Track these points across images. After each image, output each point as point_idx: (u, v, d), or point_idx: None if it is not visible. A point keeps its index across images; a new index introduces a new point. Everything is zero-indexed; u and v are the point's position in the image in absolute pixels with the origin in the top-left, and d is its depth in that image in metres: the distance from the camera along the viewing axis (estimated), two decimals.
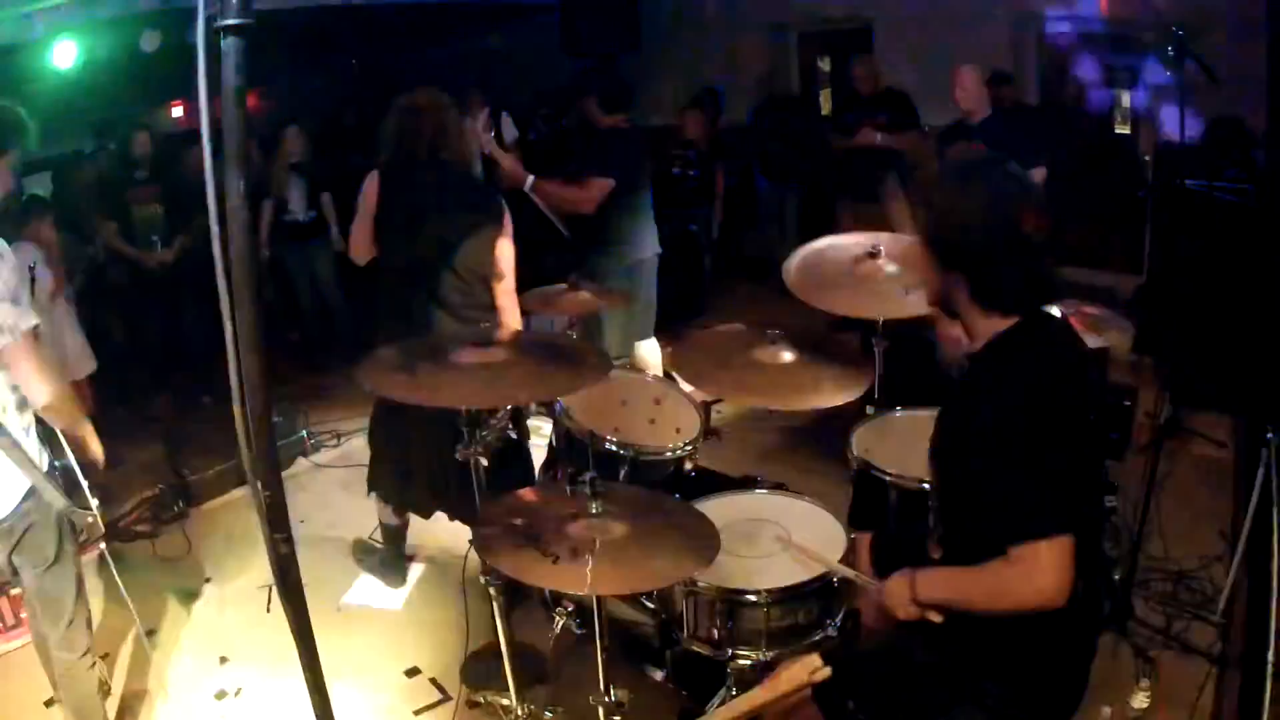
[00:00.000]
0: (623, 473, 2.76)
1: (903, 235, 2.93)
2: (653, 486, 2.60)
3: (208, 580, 3.78)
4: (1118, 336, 2.99)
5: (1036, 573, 1.59)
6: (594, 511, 1.97)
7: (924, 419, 2.77)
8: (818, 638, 2.30)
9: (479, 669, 2.98)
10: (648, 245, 4.33)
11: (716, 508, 2.46)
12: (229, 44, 1.13)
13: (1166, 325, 3.39)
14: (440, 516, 3.41)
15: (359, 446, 4.74)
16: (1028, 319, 1.72)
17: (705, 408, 3.08)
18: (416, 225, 3.04)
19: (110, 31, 5.05)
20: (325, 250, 6.28)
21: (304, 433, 4.87)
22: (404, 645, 3.30)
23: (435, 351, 2.30)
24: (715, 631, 2.30)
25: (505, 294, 3.26)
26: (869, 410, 2.91)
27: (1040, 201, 1.69)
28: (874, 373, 2.86)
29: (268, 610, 3.49)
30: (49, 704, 2.90)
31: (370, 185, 3.11)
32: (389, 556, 3.68)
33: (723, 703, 2.28)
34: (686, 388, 3.10)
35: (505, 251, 3.23)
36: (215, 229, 1.19)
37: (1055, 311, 1.85)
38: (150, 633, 3.35)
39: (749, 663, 2.27)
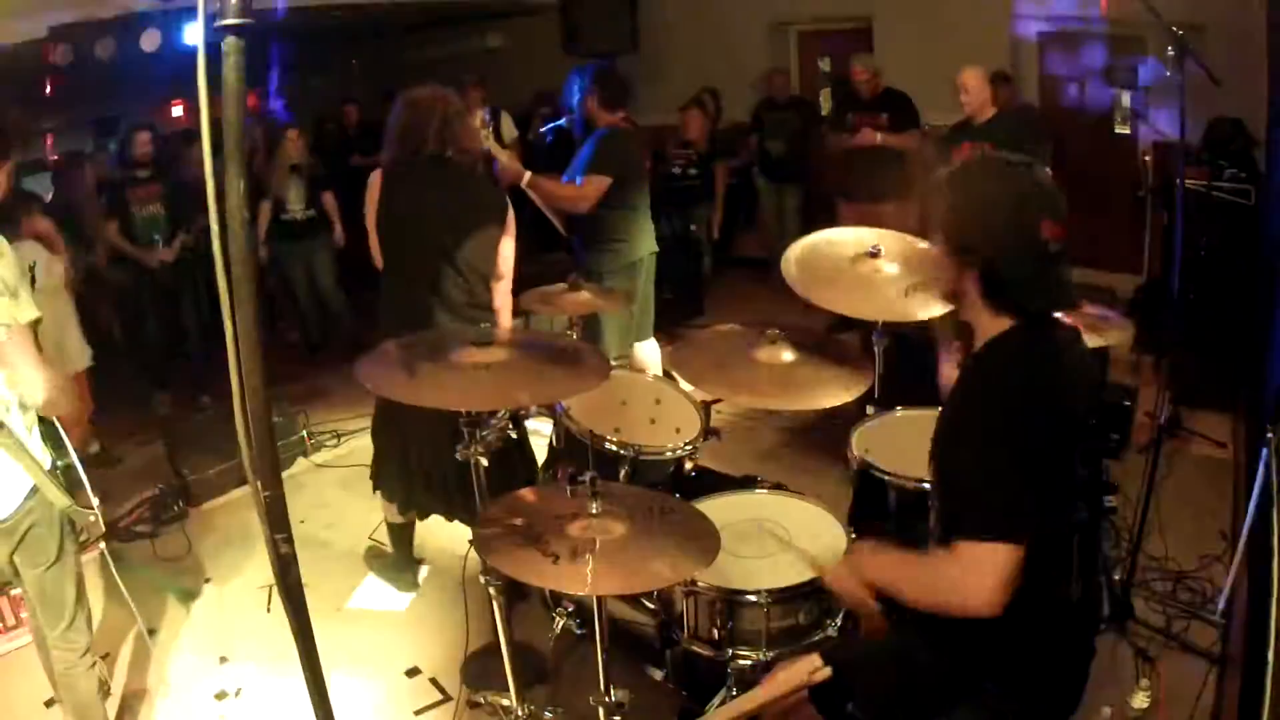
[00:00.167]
0: (623, 473, 2.76)
1: (904, 236, 2.92)
2: (653, 486, 2.60)
3: (208, 580, 3.78)
4: (1118, 336, 2.99)
5: (972, 573, 1.58)
6: (594, 511, 1.96)
7: (924, 419, 2.78)
8: (818, 638, 2.30)
9: (479, 669, 2.98)
10: (645, 244, 4.33)
11: (716, 508, 2.46)
12: (229, 44, 1.13)
13: (1166, 325, 3.39)
14: (440, 516, 3.41)
15: (359, 446, 4.75)
16: (1032, 322, 1.72)
17: (705, 408, 3.08)
18: (420, 223, 3.03)
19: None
20: (325, 249, 6.28)
21: (304, 433, 4.87)
22: (404, 645, 3.30)
23: (435, 351, 2.30)
24: (715, 631, 2.30)
25: (503, 294, 3.26)
26: (869, 410, 2.91)
27: (1062, 209, 1.68)
28: (874, 373, 2.86)
29: (268, 610, 3.49)
30: (49, 704, 2.90)
31: (373, 188, 3.09)
32: (399, 559, 3.67)
33: (723, 703, 2.29)
34: (686, 388, 3.10)
35: (507, 250, 3.22)
36: (215, 229, 1.19)
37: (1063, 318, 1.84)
38: (150, 633, 3.35)
39: (749, 663, 2.28)
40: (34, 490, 2.31)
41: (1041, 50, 6.71)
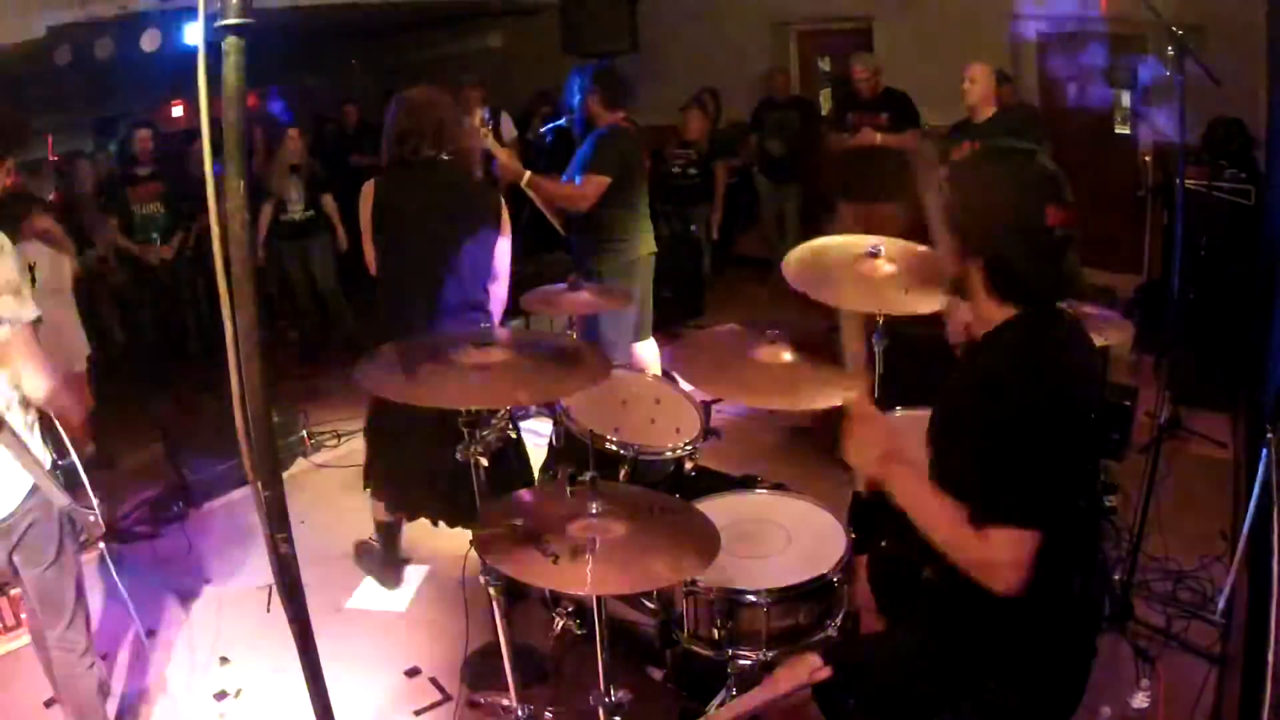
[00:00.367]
0: (623, 473, 2.76)
1: (902, 241, 2.94)
2: (653, 486, 2.60)
3: (208, 580, 3.78)
4: (1118, 336, 2.99)
5: (1004, 558, 1.59)
6: (594, 511, 1.97)
7: (924, 419, 2.77)
8: (818, 638, 2.30)
9: (479, 669, 2.98)
10: (644, 243, 4.33)
11: (716, 508, 2.46)
12: (229, 44, 1.13)
13: (1166, 325, 3.39)
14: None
15: (359, 447, 4.74)
16: (1037, 311, 1.72)
17: (705, 408, 3.08)
18: (417, 227, 3.03)
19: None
20: (324, 250, 6.28)
21: (304, 433, 4.88)
22: (404, 645, 3.30)
23: (435, 351, 2.30)
24: (715, 631, 2.30)
25: (497, 299, 3.27)
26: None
27: (1066, 194, 1.68)
28: (874, 373, 2.86)
29: (268, 610, 3.49)
30: (49, 704, 2.90)
31: (366, 196, 3.09)
32: (386, 557, 3.68)
33: (723, 703, 2.29)
34: (686, 387, 3.10)
35: (503, 251, 3.22)
36: (215, 229, 1.19)
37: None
38: (150, 633, 3.35)
39: (749, 663, 2.28)
40: (34, 490, 2.31)
41: (1041, 50, 6.71)
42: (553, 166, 4.54)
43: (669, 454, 2.87)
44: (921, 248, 2.81)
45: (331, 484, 4.59)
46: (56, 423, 2.48)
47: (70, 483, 2.45)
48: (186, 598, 3.65)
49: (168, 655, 3.30)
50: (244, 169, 1.18)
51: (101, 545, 2.79)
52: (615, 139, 4.12)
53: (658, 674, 2.66)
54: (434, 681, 3.10)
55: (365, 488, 3.46)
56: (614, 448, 2.78)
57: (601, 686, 2.17)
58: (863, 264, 2.90)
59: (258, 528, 1.39)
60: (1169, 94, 2.96)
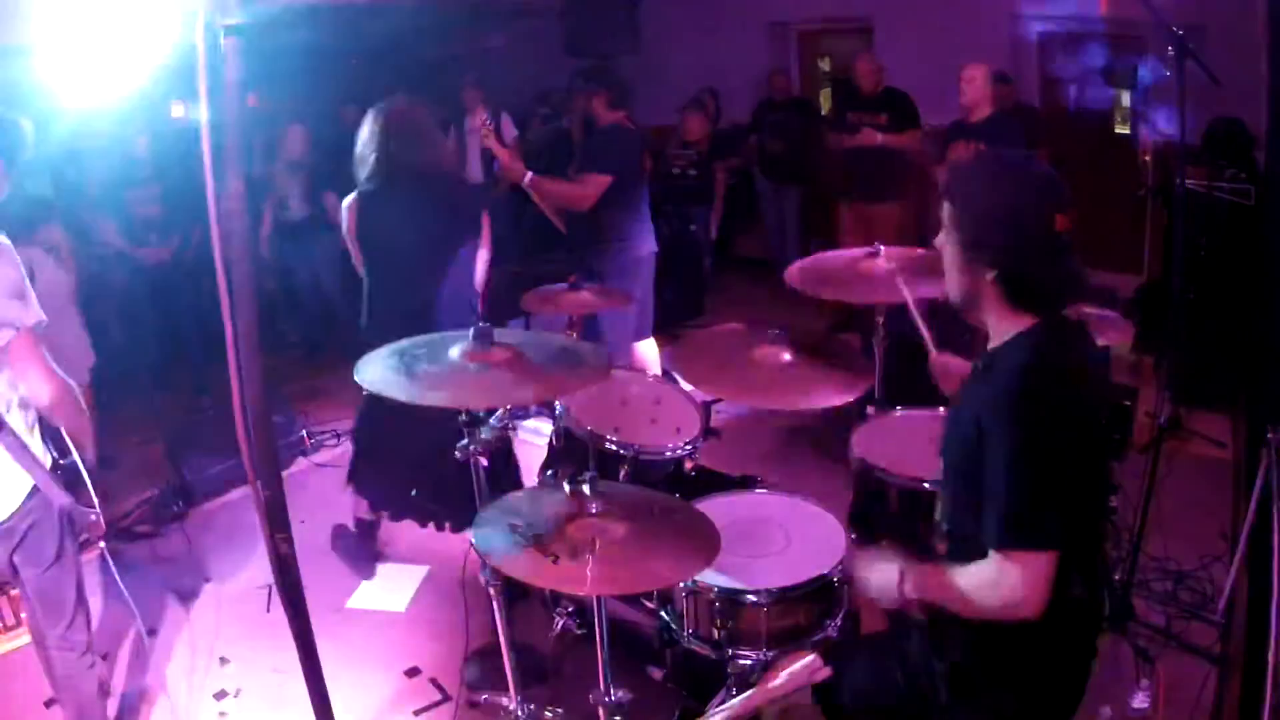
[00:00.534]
0: (623, 473, 2.76)
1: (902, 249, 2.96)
2: (653, 486, 2.60)
3: (208, 580, 3.78)
4: (1118, 336, 2.99)
5: (1029, 582, 1.59)
6: (594, 511, 1.96)
7: (924, 419, 2.78)
8: (818, 638, 2.30)
9: (479, 669, 2.98)
10: (645, 243, 4.33)
11: (716, 508, 2.46)
12: (229, 44, 1.13)
13: (1166, 325, 3.38)
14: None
15: None
16: (1049, 320, 1.71)
17: (705, 408, 3.08)
18: (401, 244, 3.08)
19: None
20: (326, 249, 6.27)
21: (304, 433, 4.88)
22: (404, 645, 3.30)
23: (435, 351, 2.30)
24: (715, 631, 2.30)
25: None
26: (869, 410, 2.91)
27: (1068, 198, 1.67)
28: (874, 373, 2.86)
29: (268, 610, 3.49)
30: (49, 704, 2.90)
31: (349, 212, 3.15)
32: (361, 551, 3.74)
33: (723, 703, 2.28)
34: (687, 387, 3.10)
35: (483, 259, 3.28)
36: (214, 229, 1.19)
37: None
38: (150, 633, 3.35)
39: (749, 663, 2.27)
40: (34, 490, 2.31)
41: (1041, 50, 6.71)
42: (553, 167, 4.55)
43: (669, 454, 2.87)
44: (920, 250, 2.82)
45: (331, 484, 4.58)
46: (60, 427, 2.47)
47: (71, 482, 2.45)
48: (186, 597, 3.65)
49: (168, 655, 3.30)
50: (243, 169, 1.18)
51: (102, 545, 2.79)
52: (616, 138, 4.13)
53: (658, 674, 2.66)
54: (434, 681, 3.10)
55: (348, 484, 3.50)
56: (614, 448, 2.78)
57: (601, 686, 2.17)
58: (863, 264, 2.93)
59: (258, 528, 1.39)
60: (1169, 94, 2.95)
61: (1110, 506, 3.23)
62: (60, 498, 2.34)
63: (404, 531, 3.88)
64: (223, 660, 3.26)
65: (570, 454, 2.96)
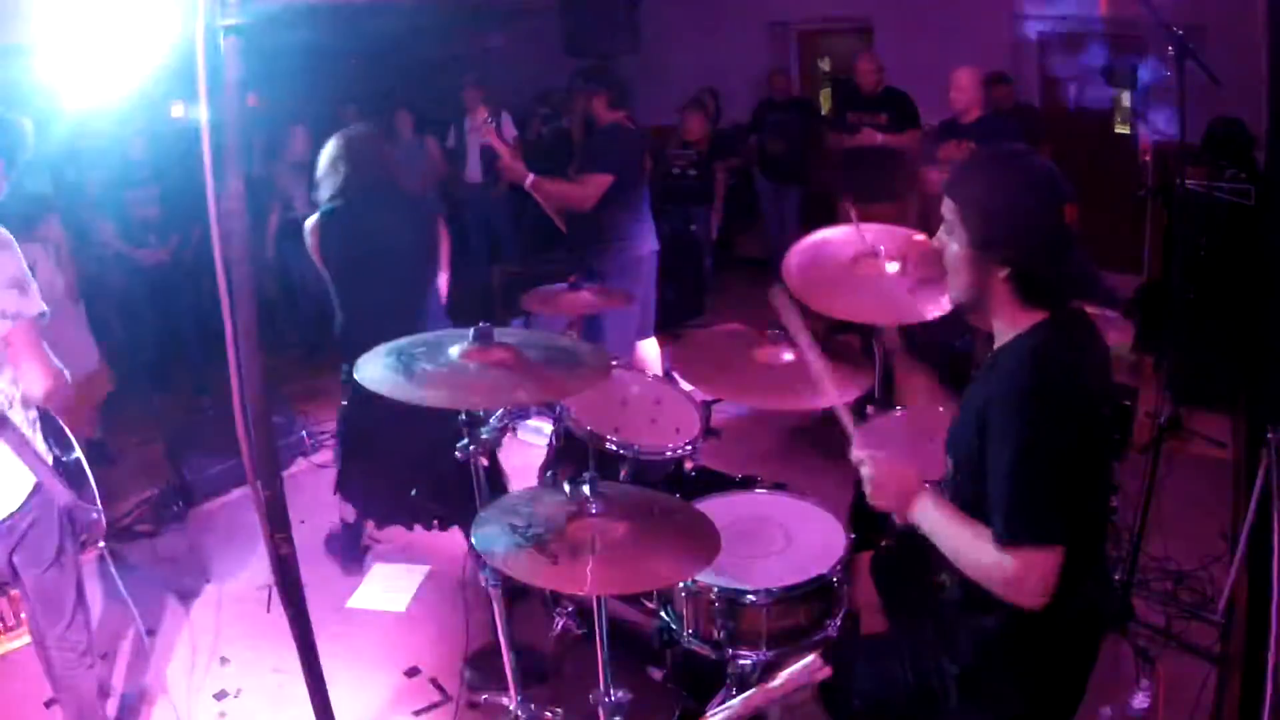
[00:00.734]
0: (623, 473, 2.76)
1: (900, 231, 2.92)
2: (653, 486, 2.60)
3: (208, 580, 3.78)
4: (1118, 336, 2.99)
5: (1032, 577, 1.59)
6: (594, 511, 1.96)
7: (924, 419, 2.77)
8: (818, 638, 2.30)
9: (479, 669, 2.98)
10: (646, 242, 4.33)
11: (716, 508, 2.46)
12: (229, 44, 1.13)
13: (1166, 325, 3.39)
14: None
15: None
16: (1059, 314, 1.70)
17: (705, 408, 3.08)
18: (361, 259, 3.15)
19: None
20: None
21: (304, 433, 4.87)
22: (404, 645, 3.30)
23: (434, 351, 2.30)
24: (715, 631, 2.29)
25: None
26: (869, 410, 2.91)
27: (1072, 192, 1.67)
28: (874, 373, 2.86)
29: (268, 610, 3.49)
30: (49, 704, 2.90)
31: (313, 235, 3.20)
32: (347, 551, 3.77)
33: (723, 703, 2.28)
34: (687, 387, 3.10)
35: (443, 280, 3.44)
36: (214, 229, 1.19)
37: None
38: (150, 633, 3.35)
39: (749, 663, 2.27)
40: (35, 490, 2.31)
41: (1041, 50, 6.71)
42: (554, 167, 4.55)
43: (669, 454, 2.87)
44: (919, 236, 2.79)
45: (331, 484, 4.57)
46: (60, 421, 2.48)
47: (73, 480, 2.45)
48: (186, 597, 3.65)
49: (168, 655, 3.30)
50: (243, 170, 1.18)
51: (102, 544, 2.79)
52: (617, 137, 4.13)
53: (658, 674, 2.66)
54: (434, 681, 3.10)
55: (336, 493, 3.56)
56: (614, 448, 2.78)
57: (601, 686, 2.17)
58: (864, 267, 2.88)
59: (258, 528, 1.39)
60: (1169, 94, 2.96)
61: (1110, 506, 3.24)
62: (62, 496, 2.34)
63: (404, 532, 3.88)
64: (223, 660, 3.26)
65: (570, 454, 2.96)
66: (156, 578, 3.75)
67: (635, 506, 2.05)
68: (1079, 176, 1.71)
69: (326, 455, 4.89)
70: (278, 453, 1.42)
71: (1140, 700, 2.69)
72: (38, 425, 2.36)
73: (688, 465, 2.93)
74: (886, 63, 6.02)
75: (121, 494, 4.29)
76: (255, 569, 3.76)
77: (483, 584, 2.48)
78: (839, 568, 2.31)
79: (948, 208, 1.74)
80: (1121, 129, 6.58)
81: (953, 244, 1.74)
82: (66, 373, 2.36)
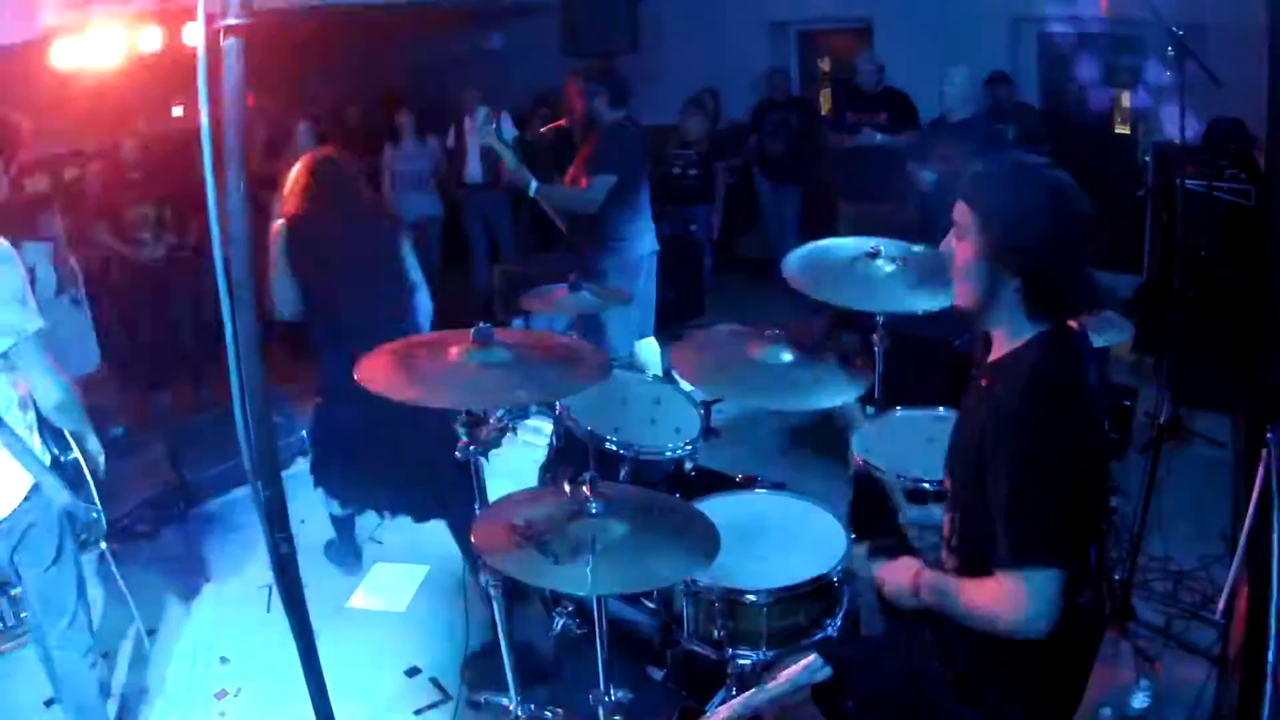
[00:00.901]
0: (623, 473, 2.76)
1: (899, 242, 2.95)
2: (653, 486, 2.60)
3: (207, 580, 3.78)
4: (1118, 336, 2.99)
5: (1038, 598, 1.58)
6: (594, 511, 1.97)
7: (924, 419, 2.78)
8: (818, 638, 2.30)
9: (479, 669, 2.98)
10: (646, 242, 4.33)
11: (716, 508, 2.46)
12: (229, 44, 1.13)
13: (1166, 325, 3.39)
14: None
15: None
16: (1057, 328, 1.69)
17: (705, 408, 3.08)
18: (338, 267, 3.18)
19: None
20: None
21: (304, 433, 4.87)
22: (404, 645, 3.30)
23: (435, 351, 2.30)
24: (715, 631, 2.30)
25: (424, 310, 3.48)
26: (869, 410, 2.91)
27: (1088, 207, 1.66)
28: (874, 373, 2.86)
29: (268, 610, 3.49)
30: (49, 704, 2.90)
31: (275, 240, 3.21)
32: (344, 547, 3.77)
33: (723, 703, 2.28)
34: (687, 388, 3.10)
35: (425, 308, 3.46)
36: (215, 229, 1.19)
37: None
38: (150, 632, 3.35)
39: (749, 663, 2.27)
40: (34, 490, 2.31)
41: (1041, 50, 6.71)
42: (553, 166, 4.54)
43: (669, 454, 2.87)
44: (918, 247, 2.81)
45: None
46: (65, 430, 2.48)
47: (72, 481, 2.45)
48: (186, 597, 3.65)
49: (168, 655, 3.30)
50: (244, 169, 1.18)
51: (102, 544, 2.80)
52: (619, 138, 4.13)
53: (658, 674, 2.66)
54: (434, 681, 3.10)
55: (316, 487, 3.55)
56: (614, 448, 2.78)
57: (601, 686, 2.17)
58: (863, 265, 2.91)
59: (258, 528, 1.39)
60: (1169, 94, 2.96)
61: (1110, 506, 3.24)
62: (60, 496, 2.34)
63: (404, 532, 3.88)
64: (223, 659, 3.26)
65: (570, 454, 2.97)
66: (156, 578, 3.74)
67: (635, 506, 2.05)
68: (1079, 176, 1.70)
69: None
70: (278, 453, 1.42)
71: (1140, 700, 2.69)
72: (35, 426, 2.36)
73: (688, 465, 2.93)
74: (886, 63, 6.02)
75: (121, 494, 4.29)
76: (255, 569, 3.76)
77: (483, 584, 2.48)
78: (839, 568, 2.31)
79: (962, 213, 1.72)
80: (1121, 129, 6.58)
81: (965, 250, 1.72)
82: (73, 385, 2.37)
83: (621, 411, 3.07)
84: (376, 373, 2.19)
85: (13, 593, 3.19)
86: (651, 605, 2.55)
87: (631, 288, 4.14)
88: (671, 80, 7.77)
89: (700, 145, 7.07)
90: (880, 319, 3.01)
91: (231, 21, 1.14)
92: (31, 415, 2.35)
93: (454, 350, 2.24)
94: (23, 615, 3.21)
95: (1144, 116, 6.06)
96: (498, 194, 6.87)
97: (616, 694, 2.18)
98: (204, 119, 1.15)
